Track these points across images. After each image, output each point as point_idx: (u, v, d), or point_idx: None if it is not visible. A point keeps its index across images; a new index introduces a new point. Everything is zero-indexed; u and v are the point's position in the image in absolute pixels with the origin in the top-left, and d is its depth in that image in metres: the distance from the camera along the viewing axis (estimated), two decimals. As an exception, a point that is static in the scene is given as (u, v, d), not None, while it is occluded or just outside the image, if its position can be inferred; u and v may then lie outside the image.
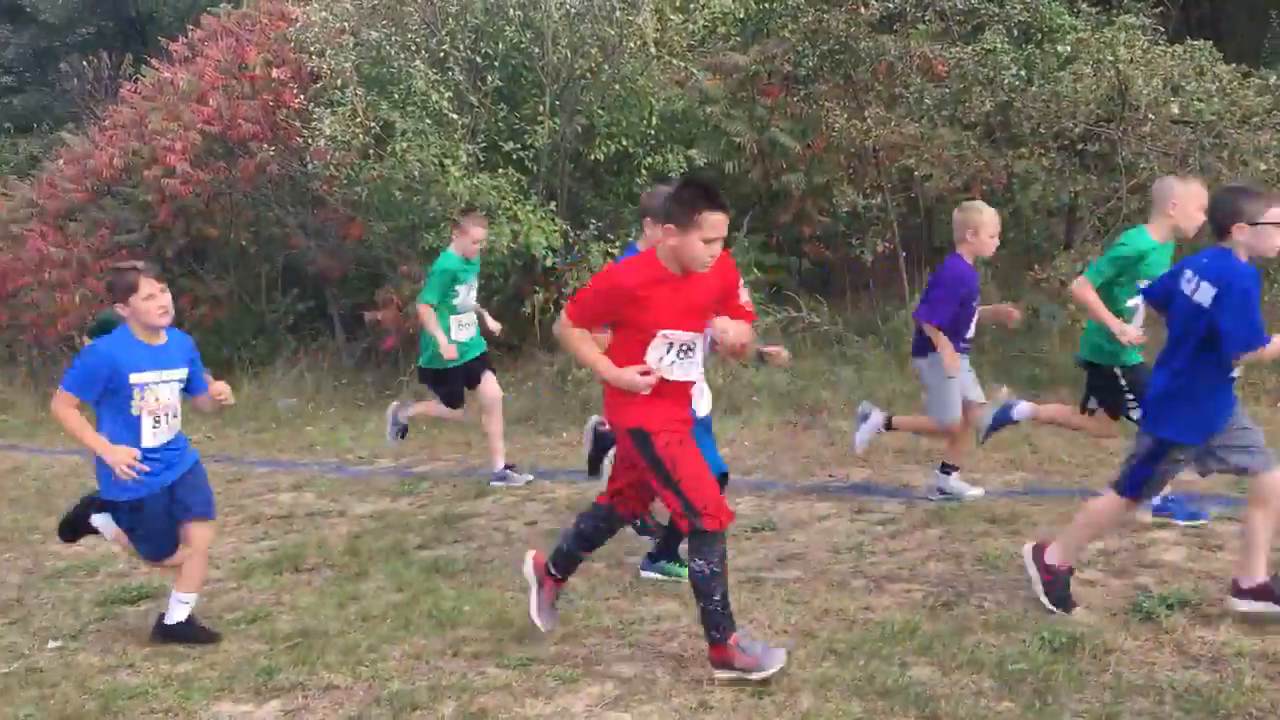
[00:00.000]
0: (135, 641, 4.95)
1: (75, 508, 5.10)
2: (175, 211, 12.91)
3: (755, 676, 3.84)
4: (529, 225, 10.03)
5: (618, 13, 10.14)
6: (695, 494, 3.90)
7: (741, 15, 10.97)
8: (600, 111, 10.82)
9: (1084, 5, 10.07)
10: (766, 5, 11.13)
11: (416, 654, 4.46)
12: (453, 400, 7.46)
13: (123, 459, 4.46)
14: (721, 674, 3.91)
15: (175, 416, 4.74)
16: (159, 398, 4.62)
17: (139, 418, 4.57)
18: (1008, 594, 4.55)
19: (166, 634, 4.81)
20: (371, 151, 10.59)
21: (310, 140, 10.69)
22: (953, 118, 10.17)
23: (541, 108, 10.55)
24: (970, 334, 5.98)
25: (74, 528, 5.12)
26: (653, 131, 10.76)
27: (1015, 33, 9.95)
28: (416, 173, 10.09)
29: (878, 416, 6.33)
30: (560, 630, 4.56)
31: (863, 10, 10.27)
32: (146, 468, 4.56)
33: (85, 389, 4.52)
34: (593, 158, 10.74)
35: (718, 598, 3.91)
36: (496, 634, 4.60)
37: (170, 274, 15.00)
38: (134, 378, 4.53)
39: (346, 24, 10.70)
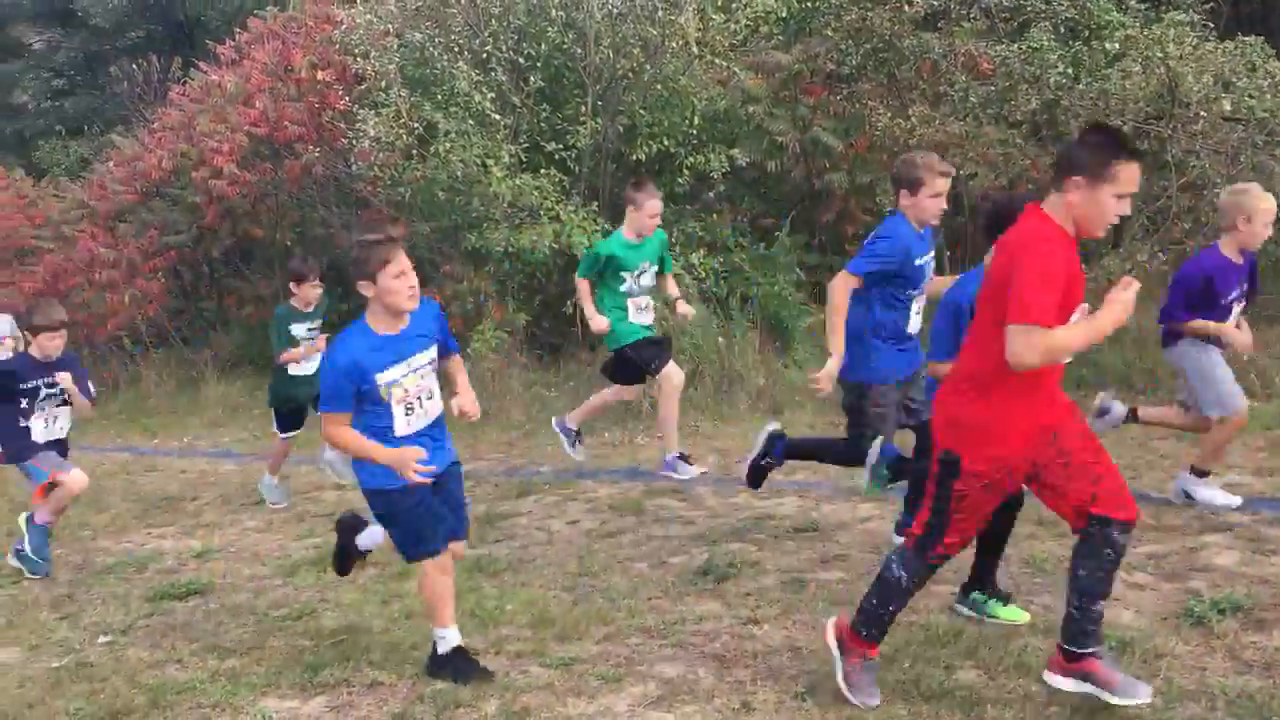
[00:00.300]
0: (184, 637, 5.01)
1: (339, 540, 4.79)
2: (222, 213, 13.07)
3: (1114, 700, 3.44)
4: (571, 225, 10.05)
5: (660, 13, 10.13)
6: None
7: (784, 14, 10.92)
8: (642, 111, 10.81)
9: (1132, 2, 9.94)
10: (809, 4, 11.09)
11: (460, 652, 4.48)
12: (629, 378, 7.14)
13: (409, 460, 3.97)
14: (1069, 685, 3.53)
15: (430, 398, 4.23)
16: (407, 389, 4.12)
17: (389, 406, 4.09)
18: (1055, 597, 4.49)
19: (439, 666, 4.27)
20: (415, 152, 10.65)
21: (355, 141, 10.78)
22: (998, 116, 10.06)
23: (584, 108, 10.56)
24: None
25: (345, 557, 4.82)
26: (695, 131, 10.73)
27: (1062, 30, 9.83)
28: (459, 173, 10.14)
29: (1119, 410, 6.01)
30: (602, 629, 4.57)
31: (906, 8, 10.21)
32: (434, 466, 4.12)
33: (339, 402, 4.01)
34: (634, 158, 10.73)
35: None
36: (539, 633, 4.61)
37: (216, 274, 15.33)
38: (381, 378, 4.03)
39: (390, 26, 10.77)
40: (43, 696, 4.41)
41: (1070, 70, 9.40)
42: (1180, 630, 4.08)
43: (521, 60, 10.55)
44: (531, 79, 10.54)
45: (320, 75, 11.56)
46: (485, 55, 10.34)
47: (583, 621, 4.67)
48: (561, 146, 10.51)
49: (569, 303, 10.43)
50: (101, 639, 5.10)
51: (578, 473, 7.64)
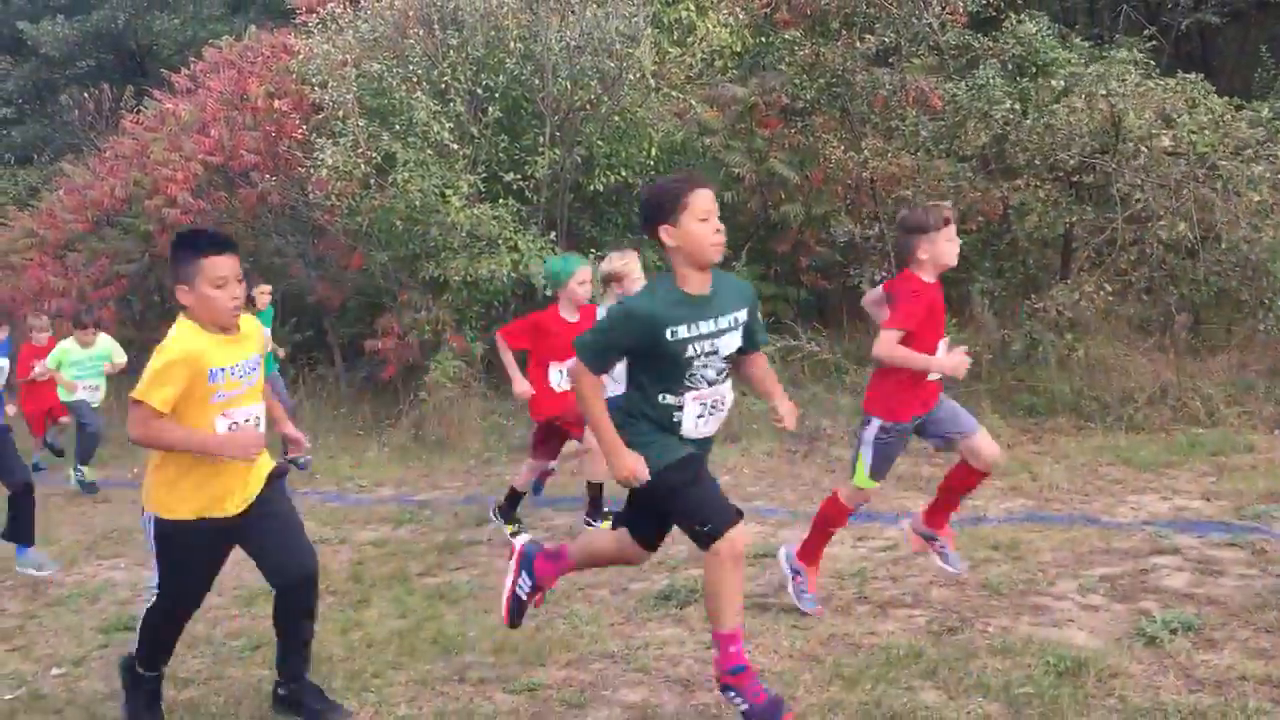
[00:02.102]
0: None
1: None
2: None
3: None
4: (529, 255, 10.11)
5: (617, 45, 10.26)
6: None
7: (739, 49, 11.11)
8: (600, 143, 10.92)
9: (1077, 40, 10.20)
10: (764, 39, 11.28)
11: (422, 680, 4.46)
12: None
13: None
14: None
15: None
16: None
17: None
18: (1011, 618, 4.57)
19: None
20: (373, 181, 10.66)
21: (312, 170, 10.76)
22: (949, 150, 10.27)
23: (542, 139, 10.64)
24: None
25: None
26: (652, 162, 10.86)
27: (1010, 67, 10.08)
28: (418, 202, 10.16)
29: None
30: (565, 655, 4.57)
31: (859, 44, 10.40)
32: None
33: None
34: (592, 188, 10.83)
35: None
36: (502, 659, 4.61)
37: (168, 303, 15.17)
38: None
39: (348, 56, 10.81)
40: (-6, 729, 4.34)
41: (1018, 106, 9.63)
42: (1133, 650, 4.16)
43: (479, 91, 10.62)
44: (490, 109, 10.62)
45: (277, 104, 11.55)
46: (444, 86, 10.41)
47: (546, 647, 4.67)
48: (520, 176, 10.57)
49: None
50: (55, 671, 5.02)
51: (534, 501, 7.64)
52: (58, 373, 9.74)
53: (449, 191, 10.09)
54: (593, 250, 10.58)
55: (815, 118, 11.10)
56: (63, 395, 9.88)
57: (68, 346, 9.89)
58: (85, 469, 9.93)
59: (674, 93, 10.91)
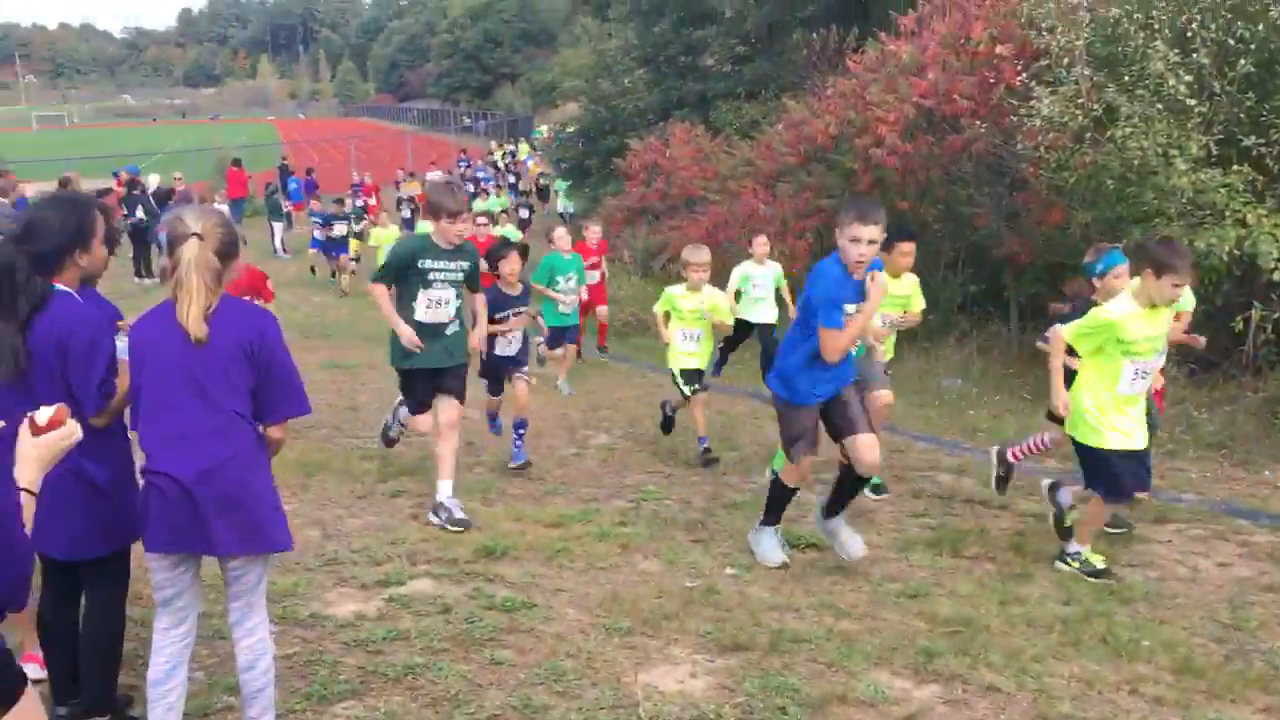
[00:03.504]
0: (801, 588, 5.13)
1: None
2: (874, 181, 13.31)
3: None
4: (1259, 232, 8.85)
5: None
6: None
7: None
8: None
9: None
10: None
11: (1088, 679, 4.09)
12: None
13: None
14: None
15: None
16: None
17: None
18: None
19: None
20: (1088, 135, 9.98)
21: (1025, 120, 10.34)
22: None
23: (1296, 100, 9.21)
24: None
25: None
26: None
27: None
28: (1135, 162, 9.33)
29: None
30: (1262, 698, 3.92)
31: None
32: None
33: None
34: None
35: None
36: (1182, 682, 4.08)
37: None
38: None
39: (1084, 0, 10.16)
40: (677, 612, 4.72)
41: None
42: None
43: (1231, 41, 9.41)
44: (1240, 63, 9.38)
45: (998, 49, 11.24)
46: (1189, 34, 9.37)
47: (1238, 684, 4.05)
48: (1262, 141, 9.25)
49: (1239, 319, 9.26)
50: (729, 570, 5.38)
51: (1228, 508, 6.74)
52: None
53: (1174, 152, 9.12)
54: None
55: None
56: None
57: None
58: None
59: None
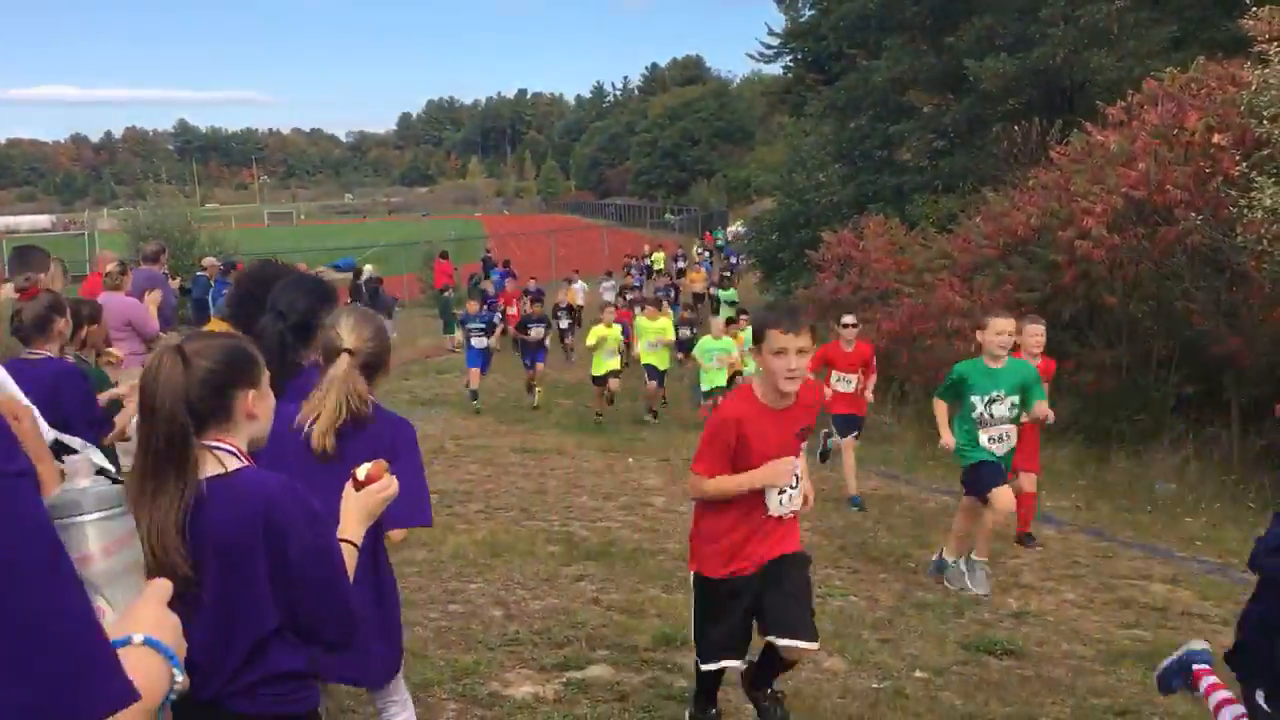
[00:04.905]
0: (997, 695, 4.82)
1: None
2: (1079, 274, 12.80)
3: None
4: None
5: None
6: None
7: None
8: None
9: None
10: None
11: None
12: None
13: None
14: None
15: None
16: None
17: None
18: None
19: None
20: (1317, 227, 9.36)
21: (1245, 212, 9.78)
22: None
23: None
24: None
25: None
26: None
27: None
28: (1371, 255, 8.68)
29: None
30: None
31: None
32: None
33: None
34: None
35: None
36: None
37: (1060, 337, 15.11)
38: None
39: (1312, 86, 9.61)
40: (862, 713, 4.51)
41: None
42: None
43: None
44: None
45: (1216, 138, 10.70)
46: None
47: None
48: None
49: None
50: (918, 673, 5.12)
51: None
52: None
53: None
54: None
55: None
56: None
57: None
58: None
59: None
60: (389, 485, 2.57)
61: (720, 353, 14.49)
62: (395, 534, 3.35)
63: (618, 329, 15.81)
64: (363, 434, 3.22)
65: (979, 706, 4.67)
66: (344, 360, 3.23)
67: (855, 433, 9.94)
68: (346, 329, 3.28)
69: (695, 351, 14.98)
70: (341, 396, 3.19)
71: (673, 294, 27.45)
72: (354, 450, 3.14)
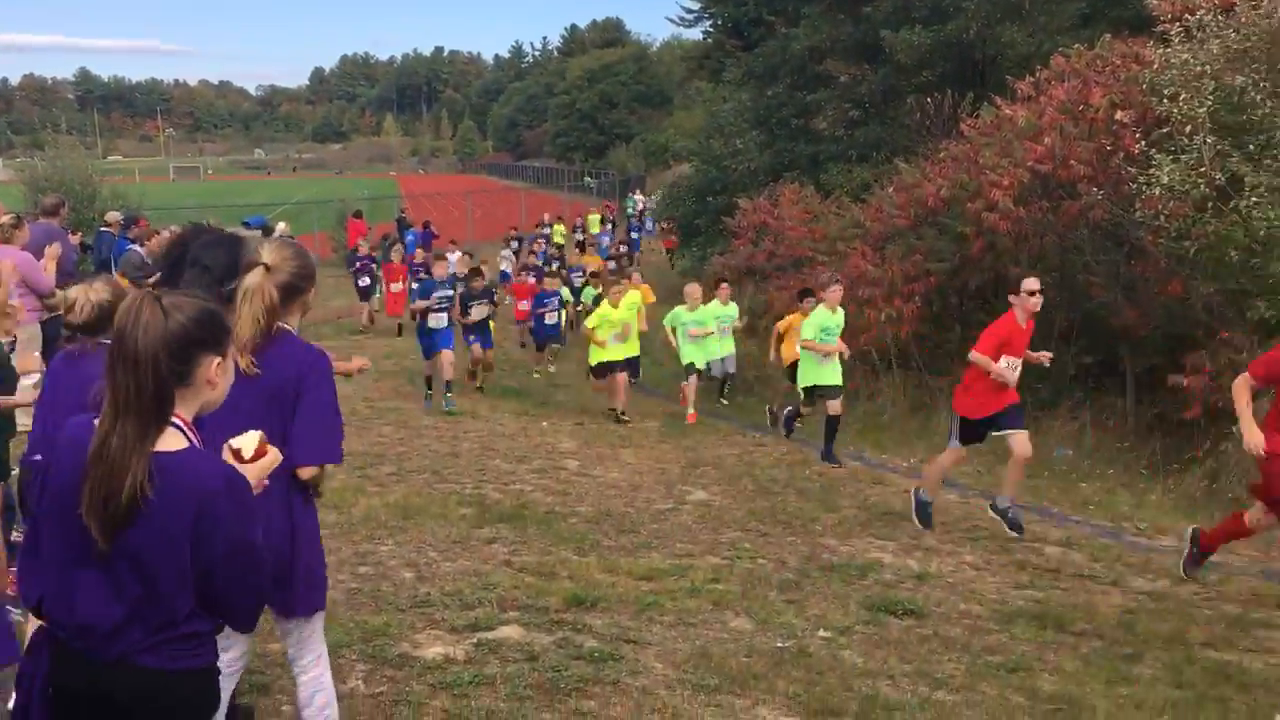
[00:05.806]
0: (897, 654, 4.98)
1: None
2: (986, 246, 13.09)
3: None
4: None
5: None
6: None
7: None
8: None
9: None
10: None
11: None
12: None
13: None
14: None
15: None
16: None
17: None
18: None
19: None
20: (1211, 205, 9.70)
21: (1144, 188, 10.10)
22: None
23: None
24: None
25: None
26: None
27: None
28: (1262, 233, 9.05)
29: None
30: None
31: None
32: None
33: None
34: None
35: None
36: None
37: (965, 306, 15.47)
38: None
39: (1209, 67, 9.91)
40: (766, 672, 4.63)
41: None
42: None
43: (1365, 111, 9.10)
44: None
45: (1119, 115, 11.01)
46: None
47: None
48: (1400, 214, 8.89)
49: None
50: (821, 633, 5.26)
51: None
52: None
53: (1303, 223, 8.82)
54: None
55: None
56: None
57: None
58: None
59: None
60: (276, 459, 2.54)
61: (694, 325, 12.90)
62: (304, 471, 3.19)
63: (633, 296, 13.24)
64: (278, 357, 3.12)
65: (878, 664, 4.82)
66: (259, 270, 3.09)
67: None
68: (268, 250, 3.21)
69: (668, 321, 13.32)
70: (256, 309, 3.06)
71: (556, 265, 23.16)
72: (269, 370, 3.09)
